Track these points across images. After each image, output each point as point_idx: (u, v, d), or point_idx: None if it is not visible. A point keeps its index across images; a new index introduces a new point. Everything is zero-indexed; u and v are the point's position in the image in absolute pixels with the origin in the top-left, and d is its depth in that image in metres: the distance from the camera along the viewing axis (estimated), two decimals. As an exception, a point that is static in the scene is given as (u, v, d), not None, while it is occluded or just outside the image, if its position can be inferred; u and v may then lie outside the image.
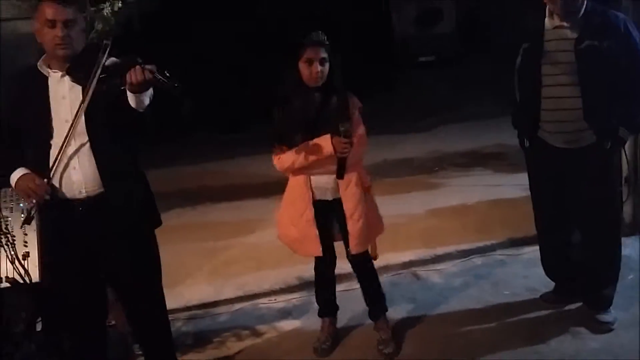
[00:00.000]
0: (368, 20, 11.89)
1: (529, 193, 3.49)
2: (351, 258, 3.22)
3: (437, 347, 3.23)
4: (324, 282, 3.39)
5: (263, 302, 3.94)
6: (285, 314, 3.77)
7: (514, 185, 5.31)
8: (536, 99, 3.14)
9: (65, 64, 2.51)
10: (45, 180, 2.49)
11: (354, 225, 3.08)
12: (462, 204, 5.34)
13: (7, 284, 2.55)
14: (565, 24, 3.05)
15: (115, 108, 2.48)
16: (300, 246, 3.19)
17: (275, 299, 3.96)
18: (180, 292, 4.14)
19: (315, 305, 3.48)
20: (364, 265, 3.29)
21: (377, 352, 3.23)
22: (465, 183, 6.01)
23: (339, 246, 3.25)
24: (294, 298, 3.94)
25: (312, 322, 3.55)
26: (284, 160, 3.04)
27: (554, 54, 3.08)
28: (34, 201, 2.49)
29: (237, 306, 3.92)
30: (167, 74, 2.34)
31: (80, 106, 2.47)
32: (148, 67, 2.33)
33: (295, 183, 3.14)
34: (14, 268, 2.54)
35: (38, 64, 2.60)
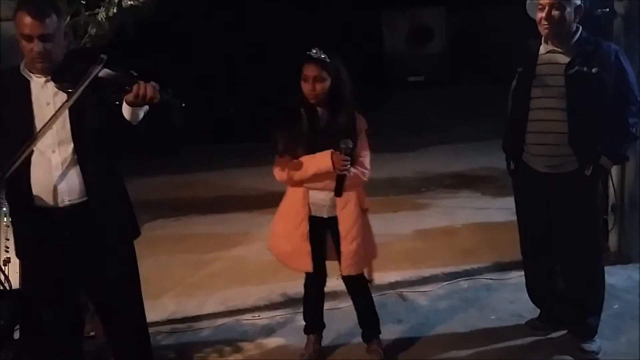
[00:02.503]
0: (360, 37, 11.95)
1: (515, 217, 3.49)
2: (344, 279, 3.19)
3: (422, 371, 3.20)
4: (312, 299, 3.35)
5: (246, 318, 3.89)
6: (269, 330, 3.71)
7: (502, 209, 5.33)
8: (523, 121, 3.15)
9: (48, 69, 2.45)
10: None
11: (347, 246, 3.05)
12: (449, 225, 5.34)
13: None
14: (558, 49, 3.08)
15: (105, 119, 2.44)
16: (291, 260, 3.15)
17: (259, 315, 3.91)
18: (163, 304, 4.08)
19: (300, 323, 3.44)
20: (357, 287, 3.26)
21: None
22: (452, 205, 6.02)
23: (330, 265, 3.23)
24: (278, 315, 3.89)
25: (296, 339, 3.51)
26: (284, 171, 3.01)
27: (544, 77, 3.10)
28: None
29: (220, 321, 3.86)
30: (170, 92, 2.32)
31: (59, 109, 2.40)
32: (153, 83, 2.30)
33: (292, 195, 3.10)
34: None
35: (20, 66, 2.53)
